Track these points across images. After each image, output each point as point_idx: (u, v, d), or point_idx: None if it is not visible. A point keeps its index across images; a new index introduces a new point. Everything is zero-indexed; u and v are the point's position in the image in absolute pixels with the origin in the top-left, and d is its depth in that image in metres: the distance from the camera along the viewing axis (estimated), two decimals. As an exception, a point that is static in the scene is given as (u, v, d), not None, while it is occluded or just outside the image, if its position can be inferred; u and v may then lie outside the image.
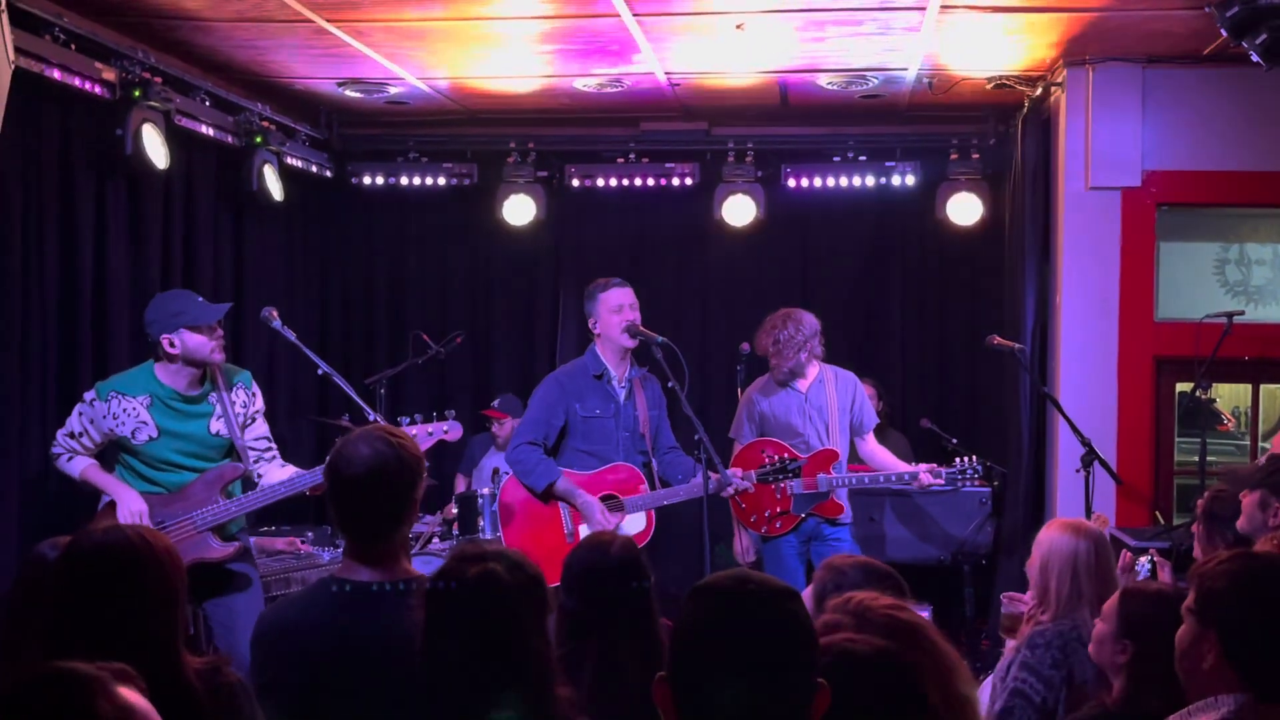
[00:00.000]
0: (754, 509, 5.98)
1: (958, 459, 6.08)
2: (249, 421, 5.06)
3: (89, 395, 4.98)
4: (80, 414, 4.97)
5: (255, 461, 5.05)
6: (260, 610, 4.93)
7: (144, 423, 4.87)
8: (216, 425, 4.98)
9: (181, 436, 4.92)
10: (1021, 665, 3.63)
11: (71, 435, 4.98)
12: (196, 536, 4.77)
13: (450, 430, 5.07)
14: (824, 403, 6.07)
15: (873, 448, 6.20)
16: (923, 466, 6.03)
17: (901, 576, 2.93)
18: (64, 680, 1.66)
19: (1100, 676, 3.49)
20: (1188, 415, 6.99)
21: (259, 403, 5.15)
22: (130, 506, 4.75)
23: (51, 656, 1.78)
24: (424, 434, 5.01)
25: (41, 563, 2.96)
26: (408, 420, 5.04)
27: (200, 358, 4.89)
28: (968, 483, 6.15)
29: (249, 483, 5.07)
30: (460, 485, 8.10)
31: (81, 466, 4.94)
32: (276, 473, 5.03)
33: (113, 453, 5.07)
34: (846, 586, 2.83)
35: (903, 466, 6.11)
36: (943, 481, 6.03)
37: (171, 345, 4.87)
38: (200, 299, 5.00)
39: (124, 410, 4.87)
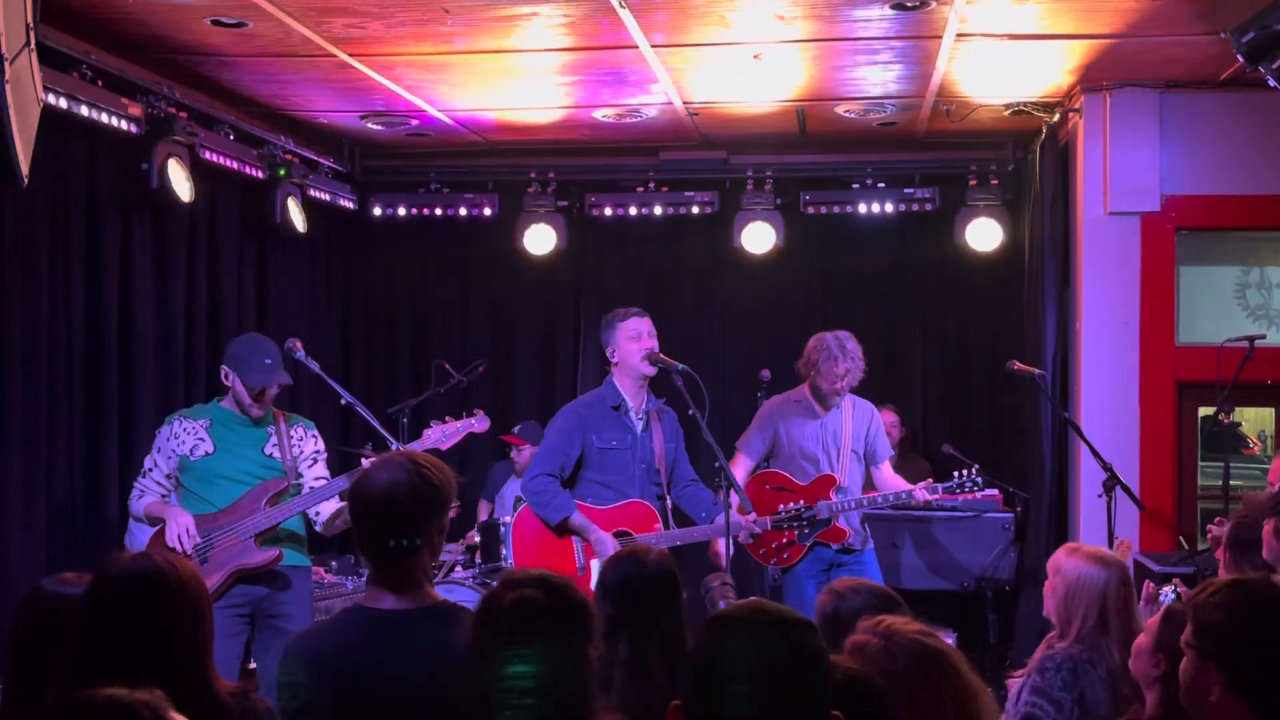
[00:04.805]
0: (761, 543, 5.97)
1: (955, 472, 6.00)
2: (311, 461, 5.26)
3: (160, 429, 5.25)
4: (152, 450, 5.19)
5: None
6: (307, 608, 5.21)
7: (201, 440, 5.11)
8: (270, 449, 5.18)
9: (236, 453, 5.11)
10: (1032, 690, 3.65)
11: (143, 474, 5.17)
12: (239, 545, 4.96)
13: (478, 423, 5.34)
14: (839, 429, 6.07)
15: (886, 476, 6.16)
16: (920, 484, 5.95)
17: (920, 603, 2.94)
18: (123, 704, 1.67)
19: (1115, 699, 3.54)
20: (1213, 440, 6.95)
21: (319, 445, 5.33)
22: (177, 520, 4.92)
23: (81, 685, 1.79)
24: (453, 430, 5.26)
25: (54, 599, 2.93)
26: (438, 421, 5.28)
27: (241, 403, 5.15)
28: (968, 494, 6.01)
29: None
30: (483, 511, 8.13)
31: (144, 504, 5.11)
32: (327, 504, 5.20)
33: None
34: (847, 611, 2.86)
35: (903, 486, 6.04)
36: (940, 495, 5.96)
37: (226, 377, 5.17)
38: (270, 360, 5.13)
39: (184, 430, 5.12)
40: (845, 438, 6.06)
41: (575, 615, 2.40)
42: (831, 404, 6.09)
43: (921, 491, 5.89)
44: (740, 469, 6.06)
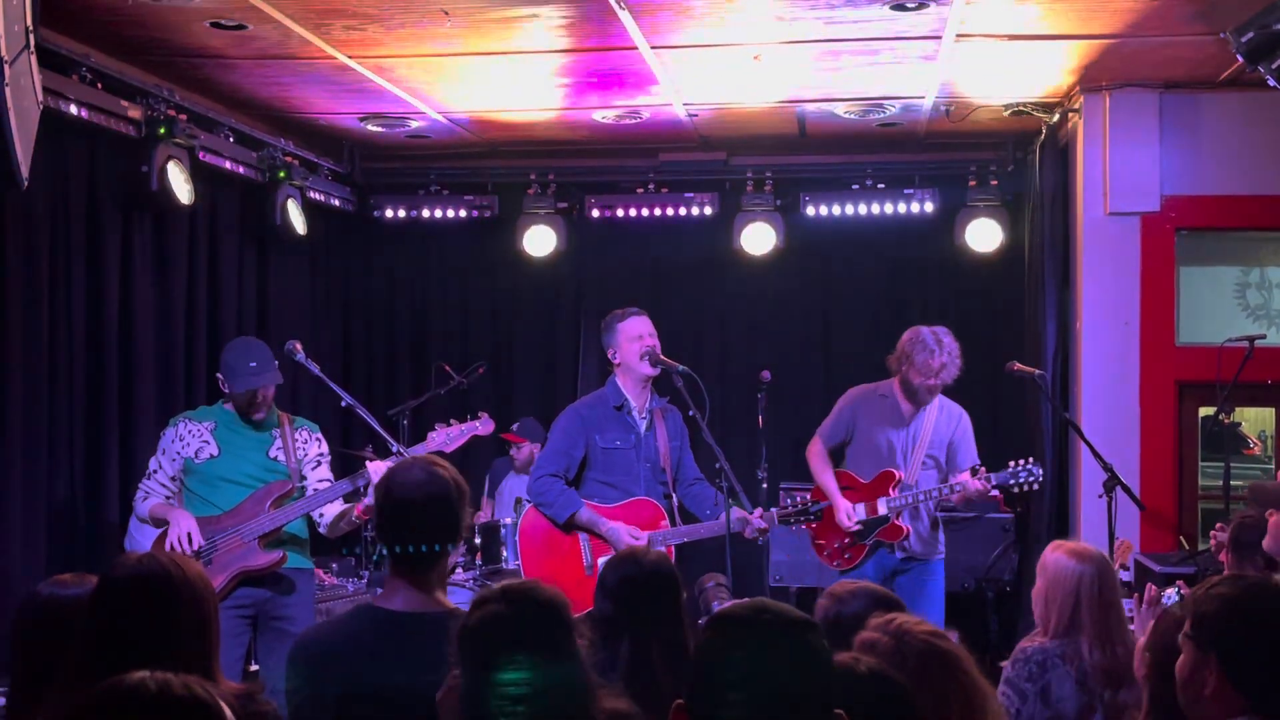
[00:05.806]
0: (827, 543, 5.96)
1: (1011, 462, 5.79)
2: (315, 464, 5.27)
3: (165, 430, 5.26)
4: (157, 452, 5.21)
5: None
6: (310, 611, 5.25)
7: (206, 442, 5.14)
8: (275, 452, 5.20)
9: (240, 456, 5.13)
10: (1004, 680, 3.75)
11: (148, 476, 5.18)
12: (243, 547, 4.99)
13: (482, 426, 5.38)
14: (919, 430, 5.99)
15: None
16: (977, 476, 5.72)
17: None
18: (176, 684, 1.65)
19: (1085, 696, 3.64)
20: (1213, 440, 6.95)
21: (323, 448, 5.35)
22: (180, 523, 4.93)
23: (85, 686, 1.77)
24: (457, 433, 5.29)
25: (52, 601, 2.93)
26: (442, 424, 5.31)
27: (237, 405, 5.16)
28: (1025, 486, 5.80)
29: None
30: (485, 509, 8.13)
31: (149, 506, 5.12)
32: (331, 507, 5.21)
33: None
34: (848, 615, 2.85)
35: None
36: (992, 485, 5.81)
37: (222, 384, 5.19)
38: (255, 363, 5.12)
39: (189, 432, 5.15)
40: (922, 443, 5.94)
41: (546, 617, 2.38)
42: (922, 401, 5.93)
43: (976, 483, 5.70)
44: (816, 453, 6.02)
